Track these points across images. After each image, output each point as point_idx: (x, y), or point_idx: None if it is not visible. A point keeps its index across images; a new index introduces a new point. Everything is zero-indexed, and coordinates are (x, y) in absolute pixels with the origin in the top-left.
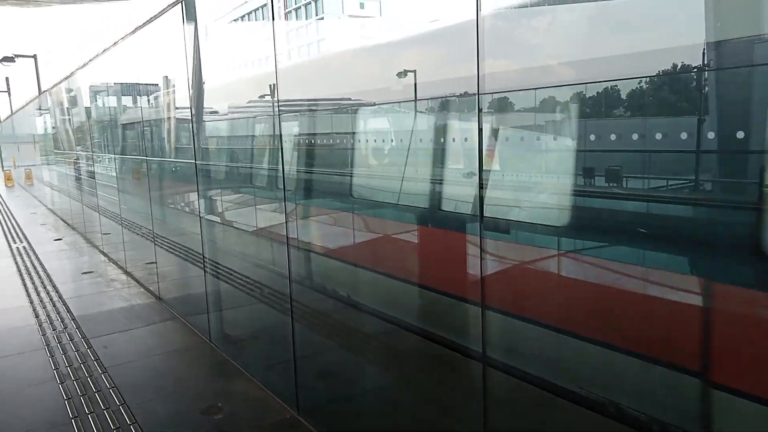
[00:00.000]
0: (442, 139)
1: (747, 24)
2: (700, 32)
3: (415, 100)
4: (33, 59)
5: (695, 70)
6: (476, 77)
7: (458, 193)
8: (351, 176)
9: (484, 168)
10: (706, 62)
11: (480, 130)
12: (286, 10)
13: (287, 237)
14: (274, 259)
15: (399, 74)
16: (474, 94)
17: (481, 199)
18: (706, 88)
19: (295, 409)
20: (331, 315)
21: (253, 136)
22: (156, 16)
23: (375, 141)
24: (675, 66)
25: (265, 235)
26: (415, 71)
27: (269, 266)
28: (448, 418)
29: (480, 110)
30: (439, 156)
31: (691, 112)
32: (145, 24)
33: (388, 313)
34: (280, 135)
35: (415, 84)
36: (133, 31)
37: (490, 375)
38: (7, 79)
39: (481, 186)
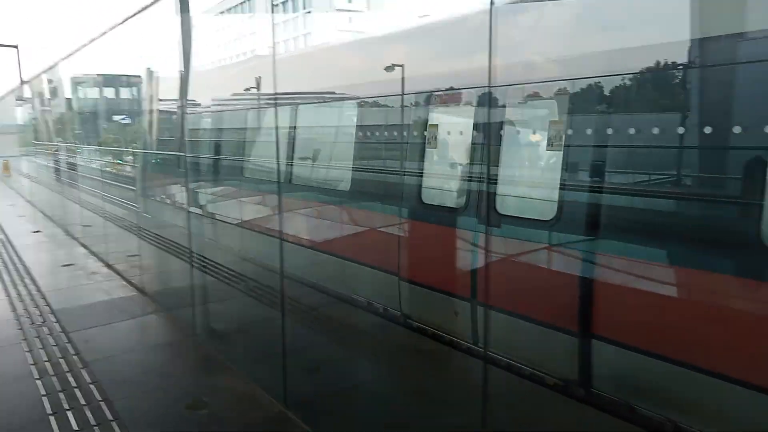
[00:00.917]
0: None
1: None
2: None
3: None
4: (15, 49)
5: None
6: (487, 70)
7: None
8: None
9: None
10: None
11: (489, 124)
12: (274, 3)
13: (280, 231)
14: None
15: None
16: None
17: (489, 194)
18: None
19: (284, 404)
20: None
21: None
22: (148, 6)
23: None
24: None
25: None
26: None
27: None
28: (444, 412)
29: (490, 104)
30: None
31: None
32: (136, 13)
33: None
34: (276, 127)
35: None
36: (124, 21)
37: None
38: None
39: (489, 181)
